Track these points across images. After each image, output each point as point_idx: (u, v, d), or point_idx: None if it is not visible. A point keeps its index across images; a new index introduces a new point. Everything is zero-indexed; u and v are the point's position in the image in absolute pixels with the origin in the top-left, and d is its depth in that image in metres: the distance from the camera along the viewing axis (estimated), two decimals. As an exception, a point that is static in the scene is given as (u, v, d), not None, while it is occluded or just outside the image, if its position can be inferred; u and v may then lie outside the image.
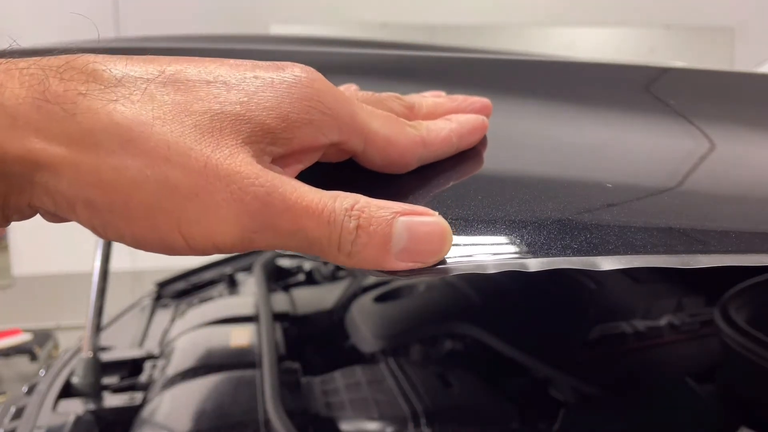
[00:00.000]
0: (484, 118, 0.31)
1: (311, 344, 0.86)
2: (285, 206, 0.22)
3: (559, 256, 0.24)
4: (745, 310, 0.60)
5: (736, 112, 0.43)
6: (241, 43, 0.66)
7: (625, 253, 0.24)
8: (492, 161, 0.31)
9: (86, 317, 0.78)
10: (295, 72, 0.24)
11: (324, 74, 0.25)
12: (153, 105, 0.22)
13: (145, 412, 0.65)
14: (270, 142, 0.23)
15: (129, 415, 0.66)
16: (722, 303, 0.61)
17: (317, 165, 0.26)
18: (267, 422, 0.58)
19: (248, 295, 1.05)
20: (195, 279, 1.19)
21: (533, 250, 0.24)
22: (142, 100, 0.22)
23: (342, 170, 0.27)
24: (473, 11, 3.18)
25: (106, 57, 0.23)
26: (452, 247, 0.23)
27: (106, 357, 0.77)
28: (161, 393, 0.68)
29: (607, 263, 0.24)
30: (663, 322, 0.71)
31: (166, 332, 0.92)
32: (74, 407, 0.67)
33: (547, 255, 0.24)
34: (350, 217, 0.22)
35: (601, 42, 3.34)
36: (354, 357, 0.78)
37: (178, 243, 0.22)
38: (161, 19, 2.84)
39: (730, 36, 3.32)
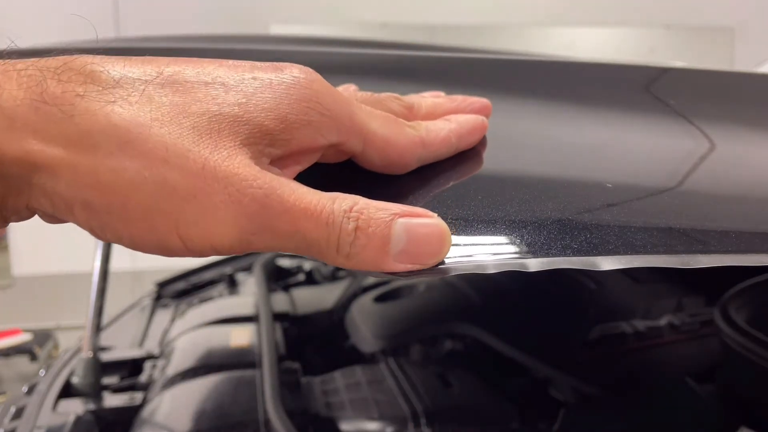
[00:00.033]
0: (484, 118, 0.31)
1: (311, 344, 0.86)
2: (283, 208, 0.22)
3: (559, 256, 0.24)
4: (745, 310, 0.60)
5: (736, 112, 0.43)
6: (240, 43, 0.66)
7: (625, 253, 0.24)
8: (492, 161, 0.31)
9: (86, 317, 0.78)
10: (293, 73, 0.24)
11: (323, 74, 0.25)
12: (151, 106, 0.22)
13: (145, 412, 0.65)
14: (268, 143, 0.23)
15: (129, 415, 0.66)
16: (722, 303, 0.61)
17: (316, 166, 0.26)
18: (267, 422, 0.58)
19: (248, 295, 1.05)
20: (195, 279, 1.19)
21: (533, 250, 0.24)
22: (140, 101, 0.22)
23: (341, 171, 0.27)
24: (473, 11, 3.18)
25: (104, 58, 0.23)
26: (452, 247, 0.23)
27: (106, 357, 0.77)
28: (161, 393, 0.68)
29: (607, 263, 0.23)
30: (663, 322, 0.71)
31: (166, 332, 0.92)
32: (74, 407, 0.67)
33: (547, 255, 0.24)
34: (349, 218, 0.22)
35: (601, 42, 3.34)
36: (354, 357, 0.78)
37: (176, 245, 0.22)
38: (161, 19, 2.84)
39: (730, 36, 3.32)
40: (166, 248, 0.22)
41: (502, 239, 0.24)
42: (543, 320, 0.74)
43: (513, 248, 0.24)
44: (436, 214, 0.23)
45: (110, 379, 0.75)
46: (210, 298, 1.09)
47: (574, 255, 0.24)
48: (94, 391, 0.71)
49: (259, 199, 0.21)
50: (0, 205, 0.21)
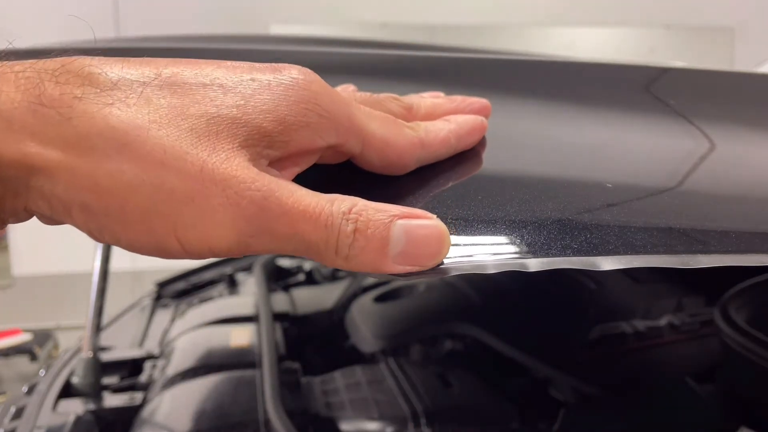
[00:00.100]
0: (483, 118, 0.31)
1: (311, 344, 0.86)
2: (281, 210, 0.22)
3: (559, 256, 0.24)
4: (745, 310, 0.60)
5: (736, 112, 0.43)
6: (240, 43, 0.66)
7: (625, 253, 0.24)
8: (492, 161, 0.31)
9: (86, 317, 0.78)
10: (292, 74, 0.24)
11: (322, 74, 0.25)
12: (149, 108, 0.22)
13: (145, 412, 0.65)
14: (267, 145, 0.23)
15: (129, 415, 0.66)
16: (722, 303, 0.61)
17: (315, 167, 0.25)
18: (267, 422, 0.58)
19: (248, 295, 1.05)
20: (195, 279, 1.19)
21: (533, 250, 0.24)
22: (138, 103, 0.22)
23: (340, 172, 0.27)
24: (473, 11, 3.18)
25: (102, 60, 0.22)
26: (452, 247, 0.23)
27: (106, 357, 0.77)
28: (161, 393, 0.68)
29: (607, 263, 0.23)
30: (663, 322, 0.71)
31: (166, 332, 0.92)
32: (74, 407, 0.67)
33: (547, 255, 0.24)
34: (348, 220, 0.22)
35: (601, 42, 3.34)
36: (354, 357, 0.78)
37: (174, 247, 0.22)
38: (161, 19, 2.84)
39: (730, 36, 3.32)
40: (164, 251, 0.22)
41: (502, 239, 0.24)
42: (543, 320, 0.74)
43: (513, 248, 0.24)
44: (435, 216, 0.23)
45: (110, 379, 0.75)
46: (210, 298, 1.09)
47: (574, 255, 0.24)
48: (94, 391, 0.71)
49: (258, 202, 0.21)
50: None
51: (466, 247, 0.24)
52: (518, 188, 0.28)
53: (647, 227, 0.26)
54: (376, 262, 0.22)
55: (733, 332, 0.56)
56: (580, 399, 0.64)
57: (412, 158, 0.27)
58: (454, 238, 0.24)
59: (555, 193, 0.28)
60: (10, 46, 0.24)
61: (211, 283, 1.18)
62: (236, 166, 0.21)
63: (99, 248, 0.82)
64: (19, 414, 0.66)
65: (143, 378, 0.76)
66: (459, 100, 0.32)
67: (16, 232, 2.81)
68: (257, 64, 0.24)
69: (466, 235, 0.24)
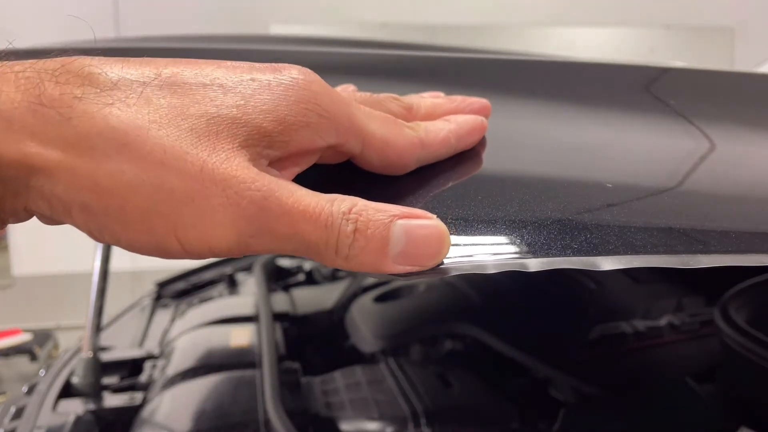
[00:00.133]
0: (483, 119, 0.31)
1: (311, 344, 0.86)
2: (281, 210, 0.22)
3: (559, 256, 0.24)
4: (745, 310, 0.60)
5: (736, 112, 0.43)
6: (240, 43, 0.66)
7: (625, 253, 0.24)
8: (492, 161, 0.31)
9: (86, 317, 0.78)
10: (292, 74, 0.24)
11: (322, 74, 0.25)
12: (149, 108, 0.22)
13: (145, 412, 0.65)
14: (267, 145, 0.23)
15: (129, 415, 0.66)
16: (722, 303, 0.61)
17: (314, 167, 0.25)
18: (267, 422, 0.58)
19: (248, 295, 1.05)
20: (195, 279, 1.19)
21: (533, 250, 0.24)
22: (138, 103, 0.22)
23: (340, 172, 0.27)
24: (473, 11, 3.18)
25: (102, 60, 0.22)
26: (452, 247, 0.23)
27: (106, 357, 0.77)
28: (161, 393, 0.68)
29: (607, 263, 0.23)
30: (663, 322, 0.71)
31: (166, 332, 0.92)
32: (74, 407, 0.67)
33: (547, 255, 0.24)
34: (348, 220, 0.22)
35: (601, 42, 3.34)
36: (354, 357, 0.78)
37: (174, 247, 0.22)
38: (161, 19, 2.84)
39: (730, 36, 3.32)
40: (164, 250, 0.22)
41: (502, 239, 0.24)
42: (543, 320, 0.74)
43: (513, 248, 0.24)
44: (435, 216, 0.23)
45: (110, 379, 0.75)
46: (210, 298, 1.09)
47: (574, 255, 0.24)
48: (94, 391, 0.71)
49: (258, 202, 0.21)
50: None
51: (466, 247, 0.24)
52: (518, 188, 0.28)
53: (647, 227, 0.26)
54: (376, 262, 0.22)
55: (733, 332, 0.56)
56: (580, 399, 0.64)
57: (412, 158, 0.27)
58: (454, 238, 0.24)
59: (555, 193, 0.28)
60: (10, 46, 0.24)
61: (211, 283, 1.18)
62: (236, 166, 0.21)
63: (99, 248, 0.82)
64: (19, 414, 0.66)
65: (143, 378, 0.76)
66: (459, 100, 0.32)
67: (16, 232, 2.81)
68: (257, 64, 0.24)
69: (466, 235, 0.24)
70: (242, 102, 0.23)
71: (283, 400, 0.60)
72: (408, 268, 0.23)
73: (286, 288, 1.08)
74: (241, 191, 0.21)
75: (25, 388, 0.74)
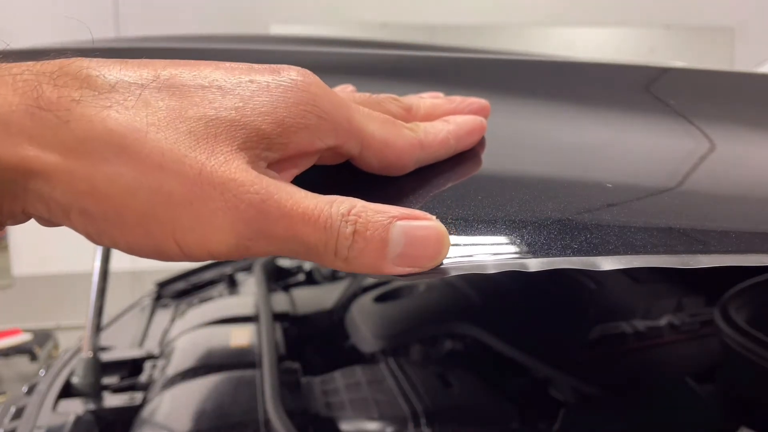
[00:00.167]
0: (483, 119, 0.31)
1: (311, 344, 0.86)
2: (280, 213, 0.22)
3: (559, 256, 0.24)
4: (745, 310, 0.60)
5: (736, 112, 0.43)
6: (240, 43, 0.66)
7: (625, 253, 0.24)
8: (492, 161, 0.31)
9: (86, 317, 0.78)
10: (291, 75, 0.24)
11: (322, 74, 0.25)
12: (147, 111, 0.21)
13: (145, 412, 0.65)
14: (265, 147, 0.23)
15: (129, 415, 0.66)
16: (722, 303, 0.61)
17: (313, 167, 0.25)
18: (267, 422, 0.58)
19: (248, 295, 1.05)
20: (195, 279, 1.19)
21: (533, 250, 0.24)
22: (136, 106, 0.21)
23: (338, 172, 0.27)
24: (473, 11, 3.18)
25: (101, 62, 0.22)
26: (452, 247, 0.23)
27: (106, 357, 0.77)
28: (161, 393, 0.68)
29: (607, 263, 0.23)
30: (663, 322, 0.71)
31: (166, 332, 0.92)
32: (74, 407, 0.67)
33: (547, 255, 0.24)
34: (347, 222, 0.22)
35: (601, 42, 3.34)
36: (354, 357, 0.78)
37: (173, 250, 0.22)
38: (161, 19, 2.84)
39: (730, 36, 3.32)
40: (163, 254, 0.22)
41: (502, 239, 0.24)
42: (543, 320, 0.74)
43: (513, 248, 0.24)
44: (434, 217, 0.23)
45: (110, 379, 0.75)
46: (210, 298, 1.09)
47: (574, 255, 0.24)
48: (94, 391, 0.71)
49: (256, 205, 0.21)
50: None
51: (466, 247, 0.24)
52: (518, 188, 0.28)
53: (647, 227, 0.26)
54: (375, 263, 0.22)
55: (733, 332, 0.56)
56: (580, 399, 0.64)
57: (411, 159, 0.27)
58: (454, 238, 0.24)
59: (555, 193, 0.28)
60: (8, 47, 0.24)
61: (211, 283, 1.18)
62: (235, 168, 0.21)
63: (99, 248, 0.82)
64: (19, 414, 0.66)
65: (143, 378, 0.76)
66: (458, 100, 0.32)
67: (16, 232, 2.81)
68: (256, 66, 0.24)
69: (466, 235, 0.24)
70: (241, 104, 0.23)
71: (283, 400, 0.60)
72: (407, 270, 0.23)
73: (286, 288, 1.08)
74: (239, 194, 0.21)
75: (25, 388, 0.74)
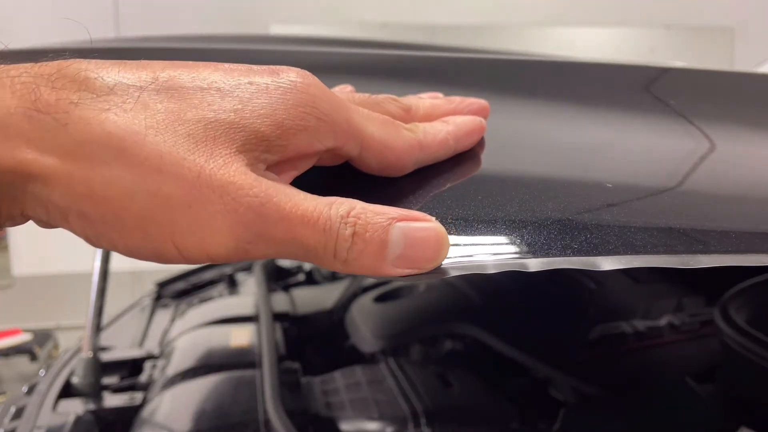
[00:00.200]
0: (482, 119, 0.31)
1: (311, 344, 0.86)
2: (279, 216, 0.21)
3: (559, 256, 0.24)
4: (745, 310, 0.60)
5: (736, 112, 0.43)
6: (239, 44, 0.66)
7: (625, 253, 0.24)
8: (492, 161, 0.31)
9: (86, 317, 0.78)
10: (290, 77, 0.24)
11: (321, 75, 0.25)
12: (146, 114, 0.21)
13: (145, 412, 0.65)
14: (264, 149, 0.23)
15: (129, 415, 0.66)
16: (722, 303, 0.61)
17: (312, 168, 0.25)
18: (267, 422, 0.58)
19: (248, 295, 1.05)
20: (195, 279, 1.19)
21: (533, 250, 0.24)
22: (134, 108, 0.21)
23: (338, 173, 0.27)
24: (473, 11, 3.18)
25: (99, 64, 0.22)
26: (452, 248, 0.23)
27: (106, 357, 0.77)
28: (161, 393, 0.68)
29: (607, 263, 0.23)
30: (663, 322, 0.71)
31: (166, 332, 0.92)
32: (74, 407, 0.67)
33: (547, 255, 0.24)
34: (346, 224, 0.22)
35: (601, 42, 3.34)
36: (354, 357, 0.78)
37: (172, 253, 0.22)
38: (161, 19, 2.84)
39: (730, 36, 3.32)
40: (162, 257, 0.22)
41: (502, 239, 0.24)
42: (543, 320, 0.74)
43: (513, 248, 0.24)
44: (434, 218, 0.23)
45: (110, 379, 0.75)
46: (210, 298, 1.09)
47: (574, 255, 0.24)
48: (94, 391, 0.71)
49: (255, 208, 0.21)
50: None
51: (466, 247, 0.24)
52: (518, 188, 0.28)
53: (647, 227, 0.26)
54: (374, 265, 0.22)
55: (733, 332, 0.56)
56: (580, 399, 0.64)
57: (410, 160, 0.27)
58: (454, 238, 0.24)
59: (555, 193, 0.28)
60: (6, 48, 0.24)
61: (211, 283, 1.18)
62: (234, 171, 0.21)
63: (99, 249, 0.82)
64: (19, 414, 0.66)
65: (143, 378, 0.76)
66: (458, 101, 0.32)
67: (16, 232, 2.80)
68: (255, 67, 0.24)
69: (466, 235, 0.24)
70: (240, 106, 0.23)
71: (283, 400, 0.60)
72: (407, 271, 0.23)
73: (286, 288, 1.08)
74: (238, 197, 0.21)
75: (25, 388, 0.74)
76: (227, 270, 1.19)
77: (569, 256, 0.24)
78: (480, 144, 0.31)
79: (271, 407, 0.59)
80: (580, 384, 0.65)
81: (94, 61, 0.22)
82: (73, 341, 0.88)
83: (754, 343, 0.54)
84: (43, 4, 2.67)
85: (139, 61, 0.23)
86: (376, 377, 0.69)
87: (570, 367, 0.67)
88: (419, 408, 0.62)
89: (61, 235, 0.23)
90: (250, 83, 0.23)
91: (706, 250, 0.25)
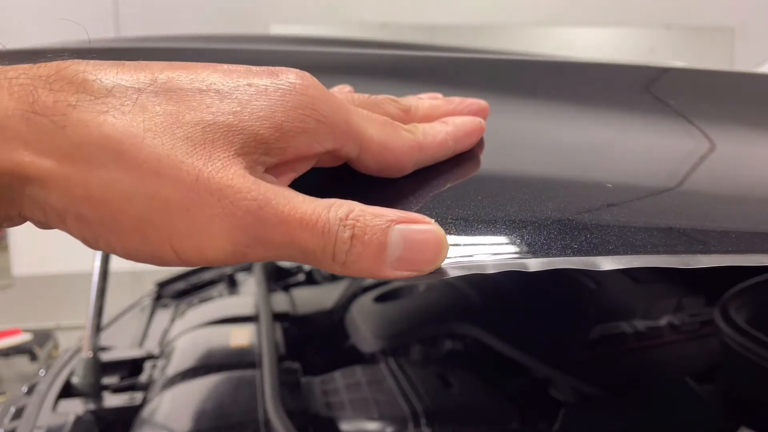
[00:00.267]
0: (481, 120, 0.31)
1: (311, 344, 0.86)
2: (278, 219, 0.21)
3: (559, 256, 0.24)
4: (745, 310, 0.60)
5: (736, 112, 0.43)
6: (239, 44, 0.66)
7: (625, 253, 0.24)
8: (492, 161, 0.31)
9: (86, 317, 0.78)
10: (289, 78, 0.24)
11: (320, 75, 0.25)
12: (144, 116, 0.21)
13: (145, 412, 0.65)
14: (263, 152, 0.23)
15: (129, 415, 0.66)
16: (722, 303, 0.61)
17: (311, 170, 0.25)
18: (267, 422, 0.58)
19: (248, 295, 1.05)
20: (195, 279, 1.19)
21: (533, 250, 0.24)
22: (133, 110, 0.21)
23: (337, 175, 0.27)
24: (473, 11, 3.18)
25: (97, 65, 0.22)
26: (452, 248, 0.23)
27: (106, 357, 0.77)
28: (161, 393, 0.68)
29: (607, 263, 0.23)
30: (663, 322, 0.71)
31: (166, 332, 0.92)
32: (74, 407, 0.67)
33: (547, 255, 0.24)
34: (345, 226, 0.22)
35: (601, 42, 3.34)
36: (354, 357, 0.78)
37: (170, 256, 0.22)
38: (161, 19, 2.84)
39: (730, 36, 3.32)
40: (160, 259, 0.22)
41: (502, 239, 0.24)
42: (543, 320, 0.74)
43: (513, 248, 0.24)
44: (433, 220, 0.23)
45: (110, 379, 0.75)
46: (210, 298, 1.09)
47: (574, 255, 0.24)
48: (94, 391, 0.71)
49: (254, 212, 0.21)
50: None
51: (466, 247, 0.24)
52: (518, 188, 0.28)
53: (647, 227, 0.26)
54: (373, 267, 0.22)
55: (733, 332, 0.56)
56: (580, 399, 0.64)
57: (409, 161, 0.27)
58: (454, 238, 0.24)
59: (555, 193, 0.28)
60: (5, 48, 0.24)
61: (211, 283, 1.18)
62: (232, 174, 0.21)
63: (99, 248, 0.82)
64: (19, 414, 0.66)
65: (143, 378, 0.76)
66: (457, 101, 0.32)
67: (16, 232, 2.80)
68: (254, 68, 0.24)
69: (466, 235, 0.24)
70: (239, 108, 0.22)
71: (283, 400, 0.60)
72: (405, 274, 0.22)
73: (286, 288, 1.08)
74: (236, 201, 0.21)
75: (25, 388, 0.74)
76: (227, 270, 1.19)
77: (569, 256, 0.24)
78: (479, 144, 0.31)
79: (271, 407, 0.59)
80: (580, 384, 0.65)
81: (92, 62, 0.22)
82: (73, 341, 0.88)
83: (754, 343, 0.54)
84: (43, 4, 2.67)
85: (137, 62, 0.23)
86: (376, 377, 0.69)
87: (570, 367, 0.67)
88: (419, 408, 0.62)
89: (61, 235, 0.23)
90: (249, 85, 0.23)
91: (706, 250, 0.25)
